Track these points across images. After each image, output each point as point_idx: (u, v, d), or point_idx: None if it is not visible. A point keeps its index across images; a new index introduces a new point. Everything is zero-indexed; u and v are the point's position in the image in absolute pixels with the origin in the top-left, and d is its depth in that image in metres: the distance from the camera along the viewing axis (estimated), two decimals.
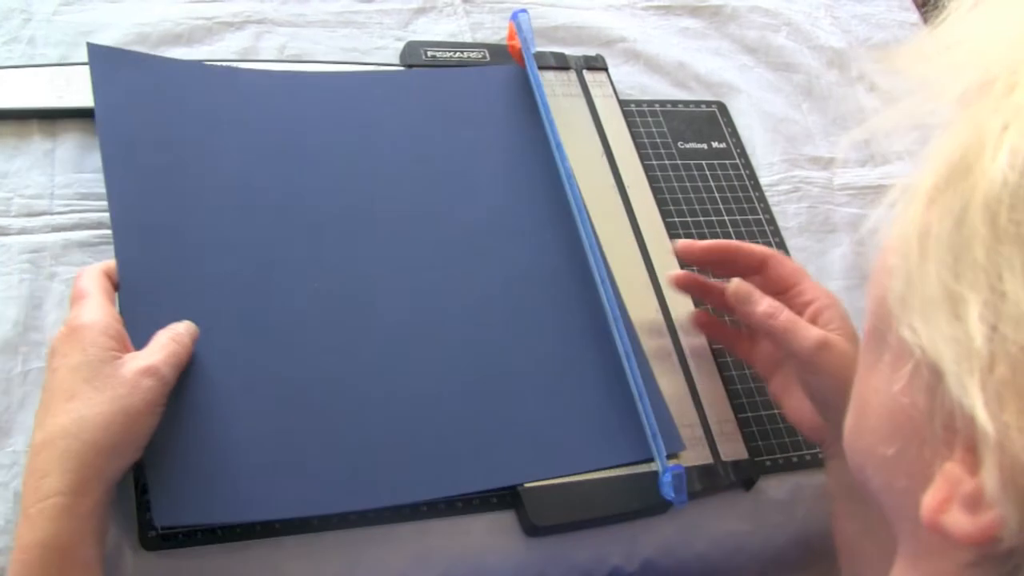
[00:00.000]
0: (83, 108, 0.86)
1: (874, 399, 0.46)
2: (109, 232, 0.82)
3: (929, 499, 0.39)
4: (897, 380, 0.43)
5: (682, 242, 0.84)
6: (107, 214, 0.82)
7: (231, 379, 0.75)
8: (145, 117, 0.84)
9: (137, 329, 0.71)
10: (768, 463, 0.86)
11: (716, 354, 0.89)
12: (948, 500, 0.39)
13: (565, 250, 0.89)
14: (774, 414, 0.88)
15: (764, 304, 0.76)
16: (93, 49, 0.85)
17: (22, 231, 0.81)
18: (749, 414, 0.88)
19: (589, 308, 0.86)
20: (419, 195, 0.88)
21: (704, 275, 0.86)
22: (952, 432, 0.39)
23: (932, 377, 0.39)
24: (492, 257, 0.87)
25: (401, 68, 0.98)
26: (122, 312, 0.73)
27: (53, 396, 0.65)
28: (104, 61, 0.85)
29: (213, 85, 0.88)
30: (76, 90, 0.86)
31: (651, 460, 0.80)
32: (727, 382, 0.88)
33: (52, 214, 0.82)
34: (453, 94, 0.95)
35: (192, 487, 0.70)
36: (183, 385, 0.72)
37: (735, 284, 0.78)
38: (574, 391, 0.83)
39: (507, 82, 0.98)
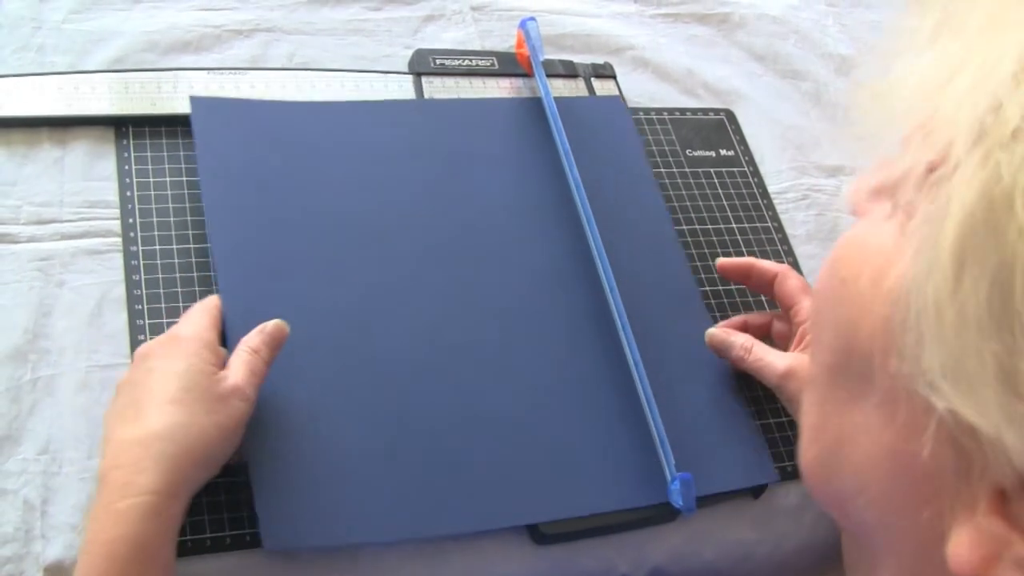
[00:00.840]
0: (92, 116, 0.87)
1: (860, 439, 0.43)
2: (118, 240, 0.82)
3: (967, 553, 0.37)
4: (900, 429, 0.40)
5: (720, 260, 0.91)
6: (116, 222, 0.83)
7: (332, 405, 0.77)
8: (240, 159, 0.86)
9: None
10: (776, 471, 0.86)
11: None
12: (994, 559, 0.36)
13: (580, 275, 0.89)
14: (782, 422, 0.88)
15: (736, 347, 0.85)
16: (195, 101, 0.87)
17: (31, 239, 0.81)
18: (757, 422, 0.87)
19: (609, 339, 0.86)
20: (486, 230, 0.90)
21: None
22: (978, 482, 0.37)
23: (966, 438, 0.36)
24: (516, 288, 0.88)
25: (410, 76, 0.98)
26: (227, 346, 0.74)
27: (150, 396, 0.67)
28: (203, 110, 0.87)
29: (303, 121, 0.90)
30: (85, 98, 0.87)
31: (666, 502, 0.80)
32: (734, 390, 0.88)
33: (61, 222, 0.82)
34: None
35: (298, 512, 0.72)
36: (288, 411, 0.75)
37: (709, 335, 0.87)
38: (595, 426, 0.83)
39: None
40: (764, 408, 0.88)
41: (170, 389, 0.67)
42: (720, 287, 0.95)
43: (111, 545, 0.61)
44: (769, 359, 0.82)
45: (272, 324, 0.74)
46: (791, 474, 0.86)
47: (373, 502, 0.74)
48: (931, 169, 0.38)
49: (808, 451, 0.48)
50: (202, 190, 0.84)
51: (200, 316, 0.73)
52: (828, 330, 0.44)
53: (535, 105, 0.97)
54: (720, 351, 0.87)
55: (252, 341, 0.73)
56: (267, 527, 0.71)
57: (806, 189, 1.05)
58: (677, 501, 0.78)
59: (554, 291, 0.88)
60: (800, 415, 0.72)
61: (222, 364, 0.71)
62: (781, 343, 0.86)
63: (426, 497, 0.76)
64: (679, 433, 0.81)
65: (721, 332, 0.87)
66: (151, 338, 0.76)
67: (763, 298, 0.92)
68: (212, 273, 0.81)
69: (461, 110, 0.97)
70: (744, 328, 0.88)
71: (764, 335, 0.88)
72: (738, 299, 0.94)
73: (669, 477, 0.79)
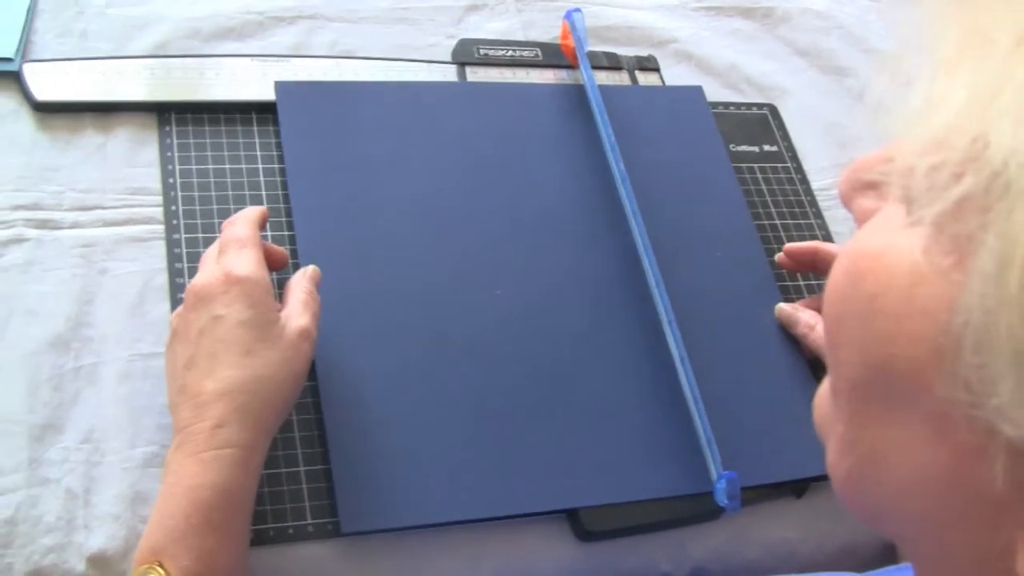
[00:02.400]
0: (135, 102, 0.86)
1: (899, 456, 0.41)
2: (160, 227, 0.82)
3: None
4: (952, 450, 0.38)
5: (786, 246, 0.92)
6: (159, 209, 0.82)
7: (406, 388, 0.78)
8: (323, 141, 0.88)
9: (326, 344, 0.74)
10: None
11: None
12: None
13: (634, 271, 0.89)
14: None
15: (801, 324, 0.87)
16: (280, 86, 0.89)
17: (74, 225, 0.80)
18: None
19: (659, 333, 0.86)
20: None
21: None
22: None
23: None
24: (574, 279, 0.88)
25: (453, 65, 0.97)
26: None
27: (226, 347, 0.66)
28: (288, 95, 0.88)
29: (378, 102, 0.91)
30: (128, 84, 0.86)
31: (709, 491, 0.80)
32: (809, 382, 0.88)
33: (104, 208, 0.82)
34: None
35: (374, 495, 0.73)
36: (367, 395, 0.77)
37: (778, 308, 0.90)
38: (643, 417, 0.83)
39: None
40: None
41: (244, 340, 0.67)
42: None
43: (198, 491, 0.62)
44: None
45: (312, 268, 0.76)
46: None
47: (440, 485, 0.75)
48: (957, 175, 0.36)
49: (839, 464, 0.47)
50: (287, 172, 0.85)
51: (252, 253, 0.71)
52: (854, 345, 0.43)
53: (606, 94, 0.97)
54: (786, 326, 0.89)
55: (306, 283, 0.74)
56: (345, 511, 0.72)
57: None
58: (722, 500, 0.78)
59: (613, 277, 0.88)
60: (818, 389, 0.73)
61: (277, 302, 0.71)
62: None
63: (489, 478, 0.77)
64: (740, 419, 0.83)
65: (789, 307, 0.89)
66: None
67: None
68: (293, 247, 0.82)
69: (526, 94, 0.97)
70: (818, 307, 0.88)
71: None
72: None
73: (715, 475, 0.78)
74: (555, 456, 0.79)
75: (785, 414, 0.86)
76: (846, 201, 0.46)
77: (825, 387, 0.48)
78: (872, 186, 0.44)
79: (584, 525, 0.77)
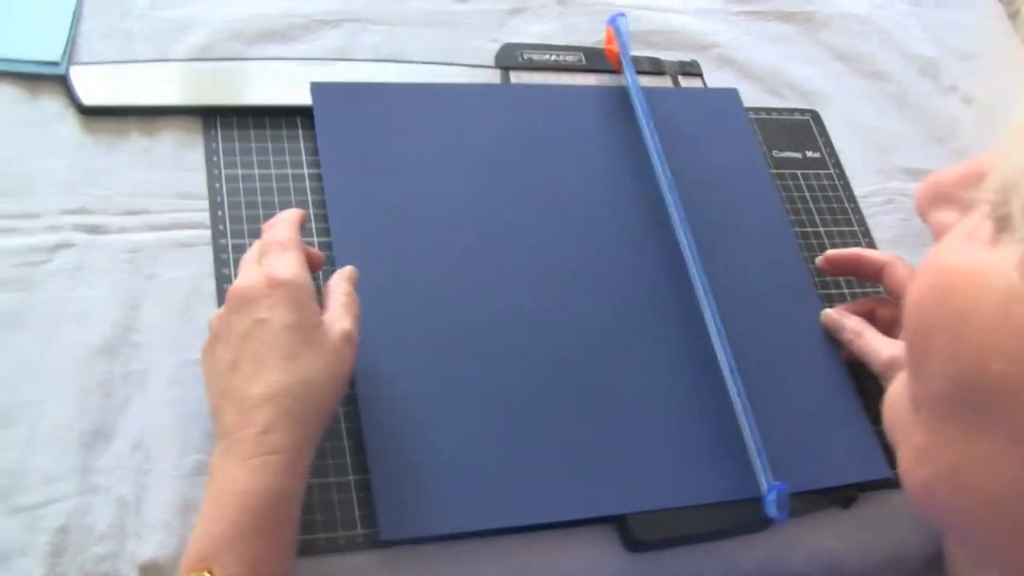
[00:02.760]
0: (181, 106, 0.85)
1: (984, 469, 0.42)
2: (207, 232, 0.81)
3: None
4: None
5: (827, 253, 0.92)
6: (205, 214, 0.82)
7: (443, 393, 0.78)
8: (359, 142, 0.87)
9: (363, 348, 0.73)
10: (866, 481, 0.85)
11: None
12: None
13: (679, 275, 0.88)
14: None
15: (847, 330, 0.86)
16: (316, 87, 0.88)
17: (121, 230, 0.80)
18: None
19: (703, 337, 0.86)
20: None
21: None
22: None
23: None
24: (615, 282, 0.88)
25: (497, 69, 0.96)
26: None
27: (270, 351, 0.66)
28: (324, 96, 0.88)
29: (416, 104, 0.91)
30: (174, 87, 0.86)
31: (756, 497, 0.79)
32: (849, 385, 0.88)
33: (150, 213, 0.81)
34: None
35: (414, 502, 0.73)
36: (404, 401, 0.76)
37: (824, 314, 0.89)
38: (688, 422, 0.83)
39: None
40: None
41: (288, 344, 0.66)
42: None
43: (246, 497, 0.62)
44: (876, 345, 0.83)
45: (349, 268, 0.75)
46: (880, 484, 0.85)
47: (481, 491, 0.75)
48: None
49: (916, 472, 0.47)
50: (323, 174, 0.85)
51: (295, 255, 0.70)
52: (940, 359, 0.43)
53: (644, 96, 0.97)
54: (832, 332, 0.89)
55: (345, 285, 0.73)
56: (384, 518, 0.71)
57: (892, 193, 1.03)
58: (772, 511, 0.77)
59: (655, 280, 0.88)
60: (888, 393, 0.73)
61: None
62: (885, 327, 0.87)
63: (532, 484, 0.76)
64: (787, 424, 0.82)
65: (835, 313, 0.88)
66: None
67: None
68: (329, 254, 0.81)
69: (568, 96, 0.97)
70: (860, 312, 0.88)
71: (869, 320, 0.88)
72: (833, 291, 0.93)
73: (765, 486, 0.77)
74: (600, 461, 0.79)
75: (826, 420, 0.86)
76: (923, 214, 0.45)
77: (899, 394, 0.48)
78: (951, 200, 0.44)
79: (633, 534, 0.76)
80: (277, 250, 0.70)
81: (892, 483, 0.85)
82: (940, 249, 0.43)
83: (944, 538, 0.84)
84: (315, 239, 0.82)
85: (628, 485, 0.78)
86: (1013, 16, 1.14)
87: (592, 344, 0.84)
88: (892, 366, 0.81)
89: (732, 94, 1.02)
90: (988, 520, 0.43)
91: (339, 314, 0.70)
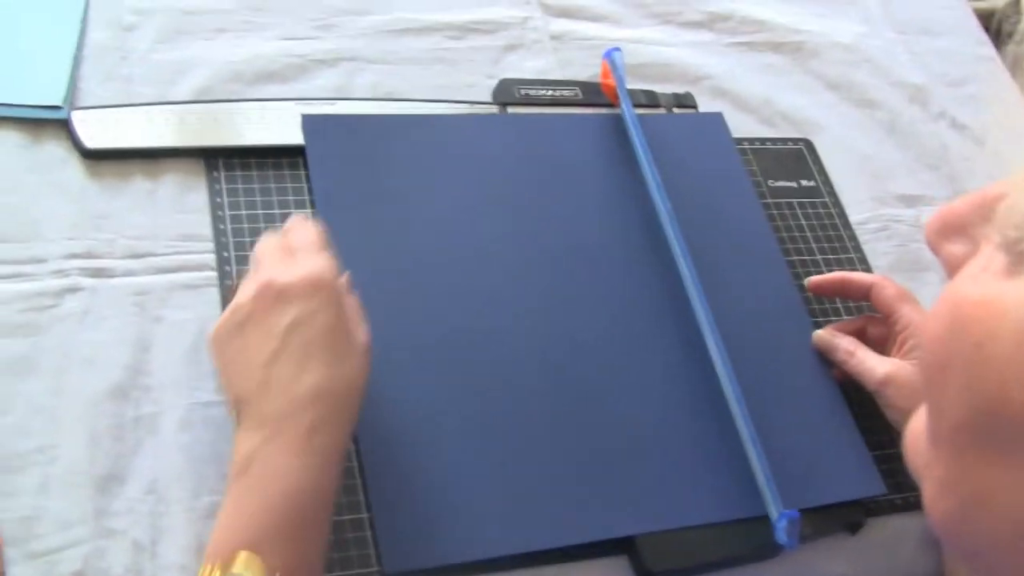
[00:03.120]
0: (183, 148, 0.86)
1: (1008, 497, 0.42)
2: (213, 274, 0.81)
3: None
4: None
5: (810, 279, 0.94)
6: (211, 255, 0.83)
7: (444, 422, 0.78)
8: (351, 173, 0.88)
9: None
10: (872, 505, 0.85)
11: None
12: None
13: (678, 299, 0.89)
14: (876, 455, 0.87)
15: (840, 350, 0.88)
16: (306, 119, 0.89)
17: (127, 273, 0.80)
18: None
19: (705, 359, 0.86)
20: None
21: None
22: None
23: None
24: (613, 305, 0.89)
25: (494, 105, 0.97)
26: None
27: (318, 350, 0.67)
28: (314, 127, 0.88)
29: (408, 135, 0.91)
30: (175, 129, 0.86)
31: (764, 515, 0.79)
32: (842, 404, 0.89)
33: (156, 255, 0.81)
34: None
35: (417, 532, 0.73)
36: (404, 431, 0.76)
37: (816, 336, 0.90)
38: (690, 443, 0.83)
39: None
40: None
41: (333, 344, 0.68)
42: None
43: (299, 495, 0.63)
44: (869, 364, 0.85)
45: (346, 276, 0.73)
46: (886, 508, 0.86)
47: (486, 518, 0.75)
48: None
49: (939, 502, 0.47)
50: (316, 206, 0.85)
51: (330, 258, 0.71)
52: (959, 391, 0.43)
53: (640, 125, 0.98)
54: (825, 352, 0.90)
55: (353, 296, 0.73)
56: (387, 550, 0.72)
57: (886, 220, 1.05)
58: (782, 538, 0.77)
59: (655, 304, 0.89)
60: (900, 422, 0.78)
61: None
62: (876, 345, 0.88)
63: (538, 510, 0.77)
64: (786, 445, 0.83)
65: (827, 334, 0.90)
66: None
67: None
68: None
69: (560, 124, 0.97)
70: (850, 331, 0.90)
71: (860, 339, 0.89)
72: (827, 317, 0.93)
73: (775, 514, 0.78)
74: (605, 485, 0.79)
75: (822, 439, 0.86)
76: (933, 247, 0.46)
77: (918, 427, 0.48)
78: (961, 231, 0.44)
79: (645, 564, 0.76)
80: (313, 250, 0.71)
81: (897, 507, 0.86)
82: (956, 283, 0.43)
83: (944, 557, 0.84)
84: None
85: (635, 507, 0.79)
86: (1001, 42, 1.15)
87: (593, 367, 0.84)
88: (887, 383, 0.83)
89: (717, 118, 1.04)
90: (1014, 548, 0.43)
91: (355, 321, 0.71)
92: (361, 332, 0.71)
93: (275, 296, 0.68)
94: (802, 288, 0.94)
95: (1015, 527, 0.42)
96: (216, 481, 0.72)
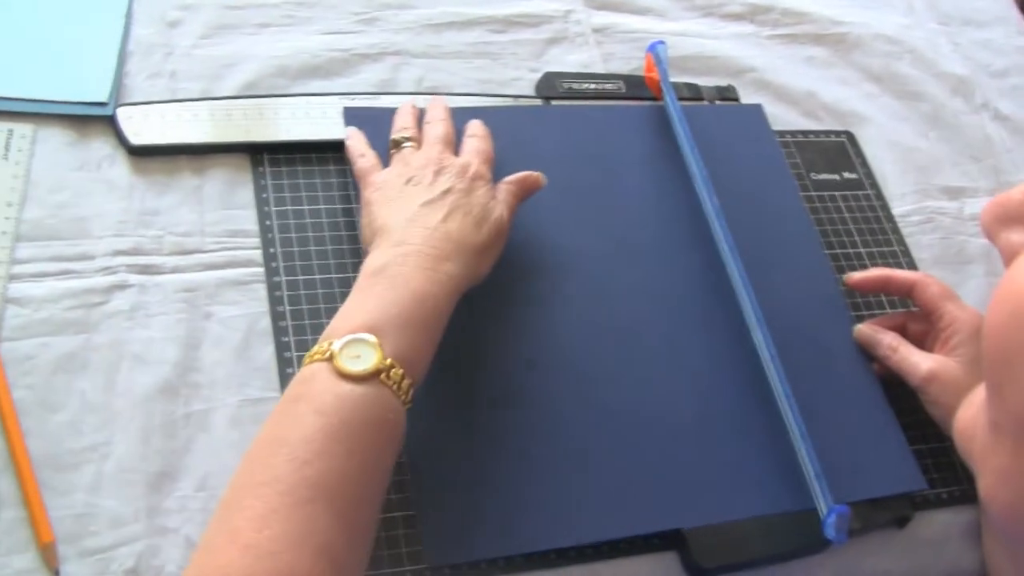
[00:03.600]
0: (229, 143, 0.86)
1: None
2: (260, 270, 0.82)
3: None
4: None
5: (850, 275, 0.93)
6: (258, 251, 0.83)
7: (489, 414, 0.78)
8: None
9: None
10: (919, 500, 0.85)
11: None
12: None
13: (724, 291, 0.89)
14: (920, 449, 0.87)
15: (883, 345, 0.88)
16: (348, 111, 0.89)
17: (175, 270, 0.80)
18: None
19: (751, 351, 0.86)
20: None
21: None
22: None
23: None
24: (663, 298, 0.89)
25: (538, 99, 0.97)
26: None
27: (465, 215, 0.77)
28: (356, 119, 0.89)
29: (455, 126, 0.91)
30: (221, 125, 0.86)
31: (812, 508, 0.79)
32: (882, 398, 0.89)
33: (204, 252, 0.81)
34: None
35: (461, 525, 0.73)
36: (448, 423, 0.77)
37: (857, 330, 0.90)
38: (737, 435, 0.83)
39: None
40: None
41: (476, 218, 0.77)
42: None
43: (422, 297, 0.70)
44: (913, 360, 0.85)
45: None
46: (932, 503, 0.86)
47: (532, 512, 0.75)
48: None
49: (1000, 492, 0.47)
50: (354, 196, 0.86)
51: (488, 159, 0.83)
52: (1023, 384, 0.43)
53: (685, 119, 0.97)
54: (868, 347, 0.89)
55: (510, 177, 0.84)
56: (432, 542, 0.72)
57: (930, 212, 1.04)
58: (831, 533, 0.77)
59: (700, 297, 0.89)
60: (943, 418, 0.80)
61: None
62: (917, 342, 0.88)
63: (586, 504, 0.77)
64: (829, 439, 0.82)
65: (869, 329, 0.90)
66: (297, 370, 0.75)
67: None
68: None
69: (603, 116, 0.97)
70: (891, 327, 0.90)
71: (900, 334, 0.89)
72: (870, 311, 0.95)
73: (825, 510, 0.77)
74: (652, 478, 0.79)
75: (864, 434, 0.86)
76: (991, 235, 0.46)
77: (973, 418, 0.48)
78: (1019, 220, 0.44)
79: (696, 561, 0.76)
80: (480, 159, 0.82)
81: (944, 502, 0.86)
82: (1016, 273, 0.43)
83: (985, 549, 0.85)
84: (348, 262, 0.84)
85: (682, 501, 0.79)
86: None
87: (639, 360, 0.84)
88: (931, 380, 0.83)
89: (757, 109, 1.03)
90: None
91: (498, 210, 0.80)
92: (499, 216, 0.79)
93: (439, 168, 0.79)
94: (842, 282, 0.93)
95: None
96: None
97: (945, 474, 0.87)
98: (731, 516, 0.79)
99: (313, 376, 0.65)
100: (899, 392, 0.87)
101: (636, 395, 0.82)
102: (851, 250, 0.98)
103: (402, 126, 0.85)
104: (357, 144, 0.84)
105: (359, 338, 0.65)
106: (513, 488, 0.75)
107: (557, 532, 0.75)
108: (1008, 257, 0.45)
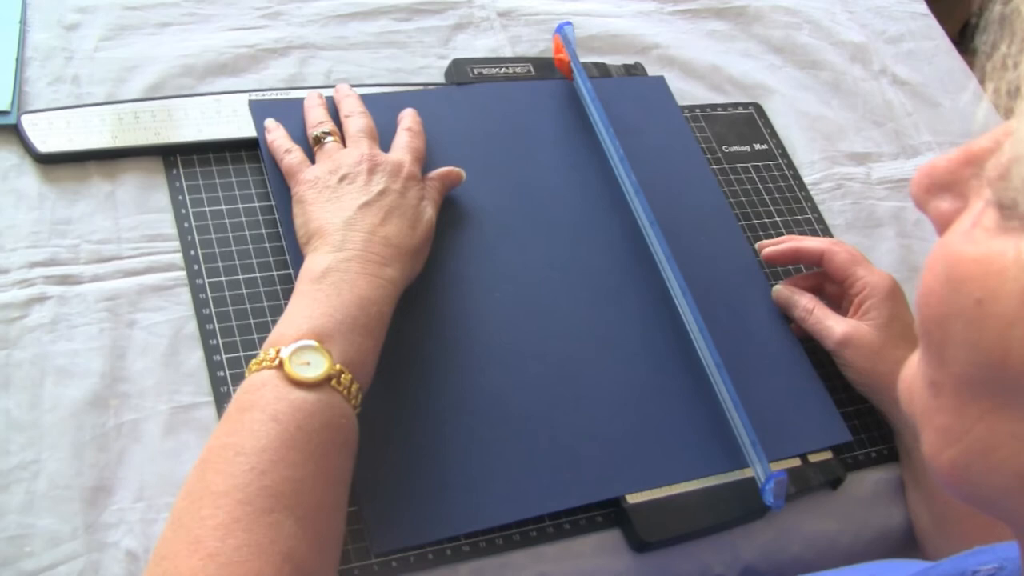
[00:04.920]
0: (139, 146, 0.84)
1: (1013, 446, 0.43)
2: (182, 273, 0.80)
3: None
4: None
5: (762, 244, 0.95)
6: (177, 255, 0.81)
7: (425, 400, 0.78)
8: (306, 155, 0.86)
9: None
10: (850, 461, 0.87)
11: None
12: None
13: (645, 263, 0.90)
14: (848, 411, 0.88)
15: (800, 307, 0.90)
16: (254, 105, 0.88)
17: (95, 278, 0.78)
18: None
19: (678, 321, 0.87)
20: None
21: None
22: None
23: None
24: (587, 273, 0.89)
25: (448, 86, 0.96)
26: None
27: (402, 216, 0.78)
28: (263, 112, 0.87)
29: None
30: (129, 128, 0.84)
31: (747, 466, 0.81)
32: (802, 358, 0.90)
33: (122, 259, 0.80)
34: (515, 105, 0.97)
35: (403, 512, 0.73)
36: (385, 411, 0.76)
37: (775, 291, 0.92)
38: (669, 404, 0.84)
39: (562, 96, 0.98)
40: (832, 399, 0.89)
41: (411, 219, 0.78)
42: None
43: (366, 302, 0.70)
44: (828, 324, 0.87)
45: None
46: (863, 463, 0.88)
47: (472, 491, 0.75)
48: None
49: (943, 453, 0.48)
50: (271, 192, 0.85)
51: (418, 157, 0.84)
52: (961, 347, 0.43)
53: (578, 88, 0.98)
54: (784, 308, 0.92)
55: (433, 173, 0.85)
56: (375, 531, 0.72)
57: (839, 178, 1.06)
58: (769, 499, 0.79)
59: (624, 270, 0.89)
60: (859, 380, 0.85)
61: None
62: (833, 302, 0.90)
63: (521, 480, 0.77)
64: (757, 402, 0.83)
65: (786, 290, 0.91)
66: (231, 374, 0.75)
67: None
68: (283, 288, 0.81)
69: (512, 93, 0.97)
70: (807, 287, 0.92)
71: (817, 294, 0.91)
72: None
73: (762, 477, 0.79)
74: (591, 450, 0.80)
75: (789, 393, 0.88)
76: (920, 204, 0.46)
77: (914, 376, 0.49)
78: (948, 187, 0.44)
79: (639, 535, 0.77)
80: (412, 157, 0.83)
81: (873, 461, 0.88)
82: (948, 239, 0.44)
83: (910, 505, 0.87)
84: (271, 259, 0.82)
85: (622, 469, 0.79)
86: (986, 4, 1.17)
87: (570, 335, 0.85)
88: (845, 344, 0.85)
89: (660, 81, 1.04)
90: (1019, 494, 0.44)
91: (426, 212, 0.82)
92: (430, 217, 0.81)
93: (372, 167, 0.79)
94: (756, 250, 0.95)
95: (1019, 473, 0.43)
96: None
97: (872, 433, 0.89)
98: (670, 481, 0.80)
99: (263, 384, 0.64)
100: (824, 357, 0.89)
101: (567, 370, 0.83)
102: (767, 220, 0.99)
103: (318, 120, 0.84)
104: (280, 139, 0.83)
105: (307, 344, 0.65)
106: (452, 470, 0.75)
107: (500, 509, 0.75)
108: (940, 226, 0.45)
